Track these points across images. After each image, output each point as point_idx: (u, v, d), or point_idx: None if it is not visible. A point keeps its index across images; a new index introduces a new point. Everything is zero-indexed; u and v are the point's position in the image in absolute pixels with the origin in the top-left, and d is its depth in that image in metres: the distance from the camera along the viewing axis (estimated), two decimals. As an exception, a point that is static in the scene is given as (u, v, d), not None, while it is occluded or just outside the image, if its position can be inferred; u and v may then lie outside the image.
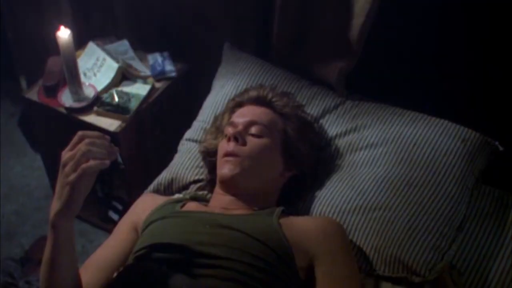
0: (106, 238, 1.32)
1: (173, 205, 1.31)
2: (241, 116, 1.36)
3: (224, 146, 1.32)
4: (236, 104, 1.44)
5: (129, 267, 1.15)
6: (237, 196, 1.30)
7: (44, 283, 1.04)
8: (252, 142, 1.31)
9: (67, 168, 0.94)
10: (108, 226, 2.13)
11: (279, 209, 1.25)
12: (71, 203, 0.95)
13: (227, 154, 1.29)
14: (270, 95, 1.41)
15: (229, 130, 1.33)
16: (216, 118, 1.50)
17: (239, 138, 1.30)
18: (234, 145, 1.29)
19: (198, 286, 1.04)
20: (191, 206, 1.31)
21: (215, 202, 1.32)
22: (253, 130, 1.32)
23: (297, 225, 1.20)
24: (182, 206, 1.30)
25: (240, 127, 1.32)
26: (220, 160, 1.32)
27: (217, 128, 1.45)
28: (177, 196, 1.50)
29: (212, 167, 1.44)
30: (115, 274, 1.21)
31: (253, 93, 1.42)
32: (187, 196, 1.40)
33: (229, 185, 1.29)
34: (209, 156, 1.44)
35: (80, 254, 2.02)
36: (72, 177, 0.93)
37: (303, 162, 1.38)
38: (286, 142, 1.35)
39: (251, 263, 1.08)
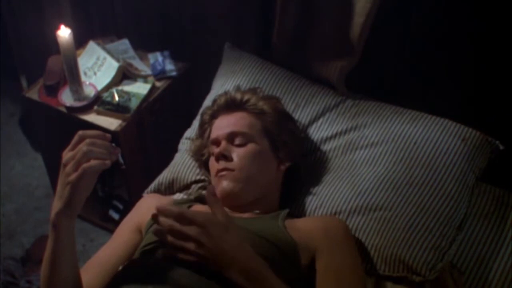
0: (107, 237, 1.32)
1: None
2: (220, 129, 1.35)
3: (215, 165, 1.31)
4: (210, 116, 1.42)
5: (135, 262, 1.15)
6: (240, 206, 1.30)
7: (44, 282, 1.04)
8: (239, 153, 1.30)
9: (68, 168, 0.95)
10: (108, 225, 2.13)
11: (284, 212, 1.27)
12: (72, 203, 0.95)
13: (220, 171, 1.29)
14: (238, 97, 1.39)
15: (214, 150, 1.33)
16: (199, 127, 1.48)
17: (226, 154, 1.29)
18: (224, 163, 1.29)
19: (203, 281, 1.04)
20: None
21: None
22: (237, 141, 1.31)
23: (301, 226, 1.22)
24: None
25: (223, 144, 1.31)
26: (214, 179, 1.32)
27: (201, 136, 1.45)
28: (178, 195, 1.51)
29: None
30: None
31: (221, 101, 1.40)
32: (192, 197, 1.39)
33: (231, 200, 1.28)
34: (204, 166, 1.45)
35: (80, 253, 2.04)
36: (73, 177, 0.93)
37: (292, 150, 1.38)
38: (270, 138, 1.35)
39: None
